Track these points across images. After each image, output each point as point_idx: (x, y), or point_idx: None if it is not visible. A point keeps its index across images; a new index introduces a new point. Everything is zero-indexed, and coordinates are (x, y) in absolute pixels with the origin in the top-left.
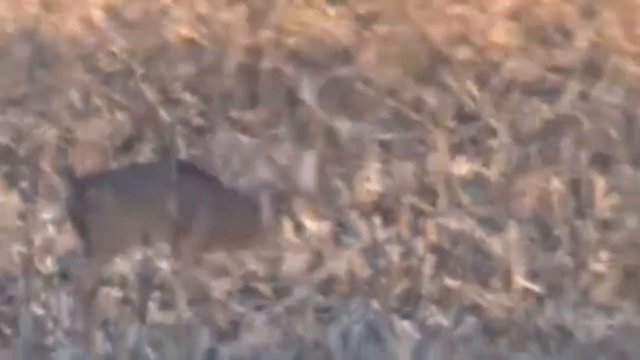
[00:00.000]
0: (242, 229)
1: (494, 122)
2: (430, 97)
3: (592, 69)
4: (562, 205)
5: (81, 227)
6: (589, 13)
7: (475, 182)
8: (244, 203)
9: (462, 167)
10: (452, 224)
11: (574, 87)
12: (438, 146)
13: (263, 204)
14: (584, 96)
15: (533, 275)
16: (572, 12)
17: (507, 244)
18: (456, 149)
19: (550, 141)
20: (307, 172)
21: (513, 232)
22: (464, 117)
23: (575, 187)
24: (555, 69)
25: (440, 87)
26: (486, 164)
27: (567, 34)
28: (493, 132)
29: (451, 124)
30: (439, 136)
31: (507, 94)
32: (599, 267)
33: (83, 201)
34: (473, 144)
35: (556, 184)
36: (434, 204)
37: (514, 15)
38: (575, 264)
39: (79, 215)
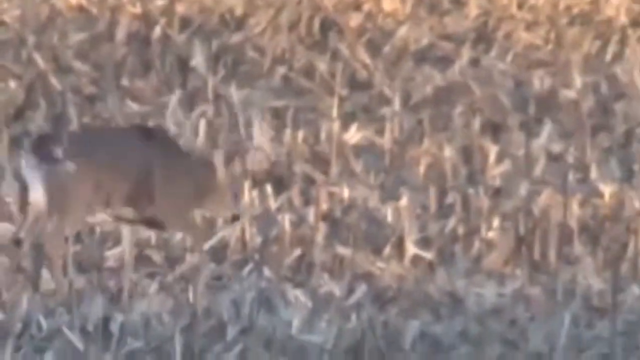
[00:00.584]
0: (198, 190)
1: (387, 90)
2: (322, 65)
3: (483, 37)
4: (454, 173)
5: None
6: None
7: (368, 150)
8: (198, 165)
9: (355, 135)
10: (345, 192)
11: (465, 54)
12: (330, 114)
13: (217, 164)
14: (475, 64)
15: (425, 243)
16: None
17: (399, 212)
18: (348, 117)
19: (442, 109)
20: (261, 131)
21: (405, 200)
22: (356, 85)
23: (467, 154)
24: (446, 37)
25: (332, 55)
26: (379, 132)
27: (458, 2)
28: (386, 100)
29: (343, 91)
30: (331, 104)
31: (399, 61)
32: (491, 235)
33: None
34: (365, 112)
35: (448, 151)
36: (326, 173)
37: None
38: (467, 232)
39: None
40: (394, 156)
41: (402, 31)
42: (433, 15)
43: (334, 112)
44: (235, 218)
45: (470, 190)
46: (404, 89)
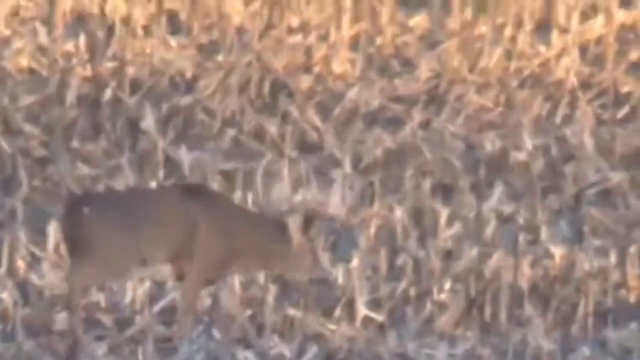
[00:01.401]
0: (267, 250)
1: (337, 152)
2: (272, 127)
3: (434, 99)
4: (405, 235)
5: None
6: (430, 43)
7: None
8: (264, 224)
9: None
10: None
11: (416, 116)
12: (281, 176)
13: (292, 226)
14: (425, 126)
15: (376, 305)
16: (414, 42)
17: (350, 273)
18: (299, 179)
19: (392, 171)
20: (335, 197)
21: (356, 262)
22: (307, 147)
23: (418, 216)
24: (397, 99)
25: (282, 117)
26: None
27: (409, 64)
28: (336, 162)
29: (293, 154)
30: (281, 166)
31: (349, 123)
32: (442, 297)
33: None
34: (316, 174)
35: (399, 213)
36: None
37: (355, 45)
38: (418, 293)
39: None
40: (345, 218)
41: (353, 93)
42: (383, 77)
43: (285, 175)
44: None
45: (421, 252)
46: (354, 151)
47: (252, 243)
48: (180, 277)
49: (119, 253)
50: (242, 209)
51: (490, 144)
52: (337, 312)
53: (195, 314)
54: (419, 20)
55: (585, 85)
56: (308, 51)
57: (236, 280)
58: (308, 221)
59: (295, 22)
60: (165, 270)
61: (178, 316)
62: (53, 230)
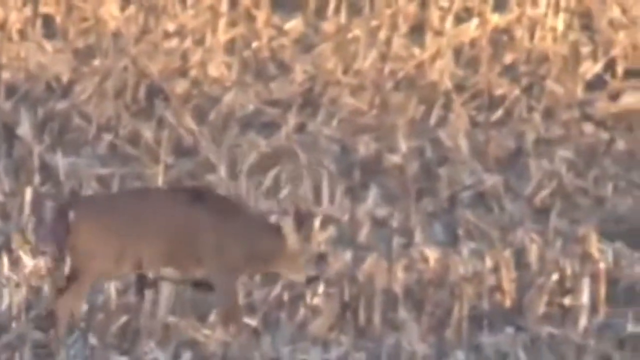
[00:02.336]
0: (267, 252)
1: (213, 157)
2: (148, 132)
3: (309, 102)
4: None
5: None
6: (305, 46)
7: None
8: (262, 226)
9: None
10: None
11: (291, 120)
12: (156, 181)
13: (286, 228)
14: (301, 129)
15: (250, 310)
16: (289, 45)
17: None
18: (174, 184)
19: (268, 175)
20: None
21: None
22: (182, 151)
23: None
24: (272, 103)
25: (157, 122)
26: None
27: (284, 68)
28: (211, 167)
29: (169, 158)
30: (156, 171)
31: (225, 128)
32: (315, 301)
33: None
34: (191, 179)
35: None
36: None
37: (231, 49)
38: (292, 298)
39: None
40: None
41: (228, 97)
42: (259, 81)
43: (160, 179)
44: (312, 279)
45: None
46: (229, 155)
47: (255, 245)
48: (194, 281)
49: (108, 256)
50: (244, 212)
51: (365, 146)
52: (212, 317)
53: (239, 313)
54: (294, 24)
55: (459, 87)
56: (184, 55)
57: (112, 287)
58: (299, 222)
59: (171, 26)
60: (168, 273)
61: (222, 319)
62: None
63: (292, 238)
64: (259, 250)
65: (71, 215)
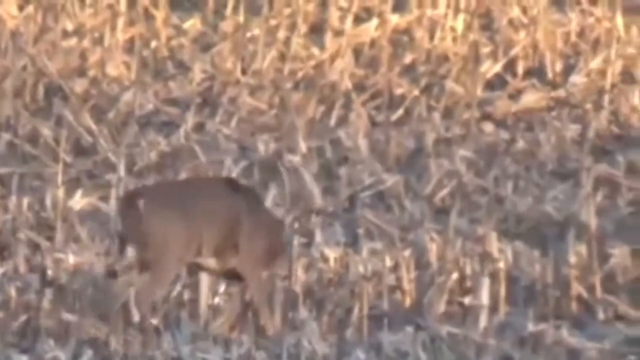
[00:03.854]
0: (278, 249)
1: (112, 156)
2: (47, 131)
3: (208, 102)
4: None
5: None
6: (204, 46)
7: (94, 216)
8: (275, 223)
9: (80, 202)
10: (70, 258)
11: (190, 119)
12: (55, 180)
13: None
14: (200, 128)
15: (151, 309)
16: (188, 44)
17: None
18: (73, 183)
19: (167, 174)
20: None
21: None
22: (81, 150)
23: None
24: (171, 102)
25: (56, 121)
26: (104, 198)
27: (183, 67)
28: (111, 166)
29: (68, 157)
30: (56, 170)
31: (124, 127)
32: (217, 300)
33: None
34: (90, 178)
35: None
36: (51, 239)
37: (130, 48)
38: (193, 298)
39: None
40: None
41: (127, 96)
42: (158, 80)
43: (59, 179)
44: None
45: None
46: (128, 154)
47: (272, 240)
48: (224, 271)
49: (177, 244)
50: (265, 206)
51: (264, 146)
52: (113, 316)
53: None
54: (193, 23)
55: (359, 87)
56: (83, 55)
57: (11, 286)
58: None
59: (69, 26)
60: (210, 263)
61: (262, 310)
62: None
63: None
64: (275, 245)
65: (141, 204)
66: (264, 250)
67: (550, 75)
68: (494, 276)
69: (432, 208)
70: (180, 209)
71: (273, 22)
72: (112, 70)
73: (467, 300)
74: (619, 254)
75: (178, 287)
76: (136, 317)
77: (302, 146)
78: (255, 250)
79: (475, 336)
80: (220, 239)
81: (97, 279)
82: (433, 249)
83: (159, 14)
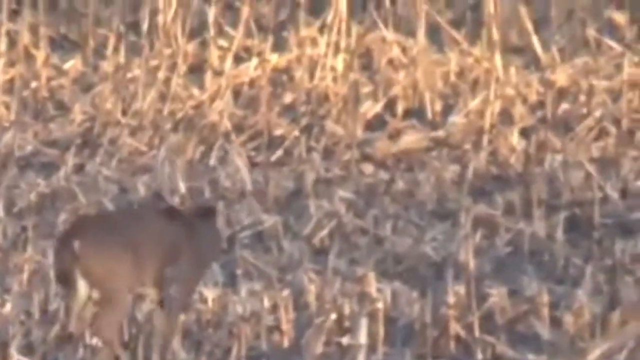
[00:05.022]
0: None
1: None
2: None
3: (88, 143)
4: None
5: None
6: (84, 86)
7: None
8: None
9: None
10: None
11: (70, 160)
12: None
13: None
14: (80, 169)
15: (28, 350)
16: (68, 85)
17: (3, 318)
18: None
19: (46, 216)
20: None
21: (9, 306)
22: None
23: None
24: (51, 143)
25: None
26: None
27: (63, 108)
28: None
29: None
30: None
31: (3, 168)
32: (95, 341)
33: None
34: None
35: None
36: None
37: (10, 89)
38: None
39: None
40: None
41: (7, 137)
42: (38, 121)
43: None
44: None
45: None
46: (7, 195)
47: (205, 268)
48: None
49: (117, 282)
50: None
51: (144, 187)
52: None
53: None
54: (73, 64)
55: (238, 127)
56: None
57: None
58: None
59: None
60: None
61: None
62: None
63: None
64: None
65: (76, 244)
66: (198, 278)
67: (429, 115)
68: (372, 316)
69: (311, 248)
70: (118, 243)
71: (153, 62)
72: None
73: (345, 340)
74: (497, 294)
75: (57, 327)
76: None
77: (182, 186)
78: (192, 278)
79: None
80: (160, 269)
81: None
82: (312, 290)
83: (39, 55)
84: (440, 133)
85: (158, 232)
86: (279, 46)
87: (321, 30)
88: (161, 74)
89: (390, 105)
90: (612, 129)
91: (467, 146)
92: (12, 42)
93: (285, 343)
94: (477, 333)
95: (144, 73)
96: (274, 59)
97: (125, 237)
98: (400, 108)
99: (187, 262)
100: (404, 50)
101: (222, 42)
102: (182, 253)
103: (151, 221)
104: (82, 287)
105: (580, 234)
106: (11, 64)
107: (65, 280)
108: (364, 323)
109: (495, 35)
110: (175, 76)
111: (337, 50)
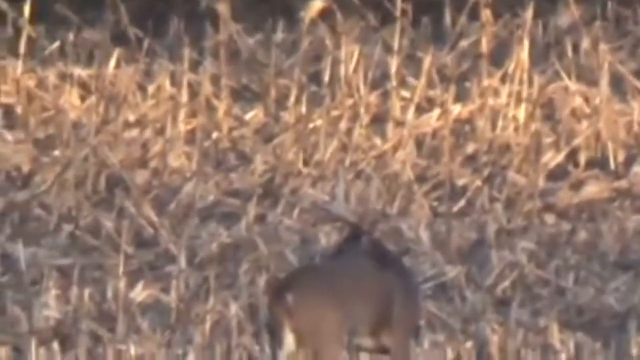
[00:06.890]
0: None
1: (172, 247)
2: (108, 222)
3: (269, 193)
4: (240, 330)
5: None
6: (266, 137)
7: (154, 307)
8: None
9: (141, 293)
10: (132, 349)
11: (251, 210)
12: (116, 272)
13: None
14: (261, 220)
15: None
16: (249, 135)
17: None
18: (135, 275)
19: (227, 266)
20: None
21: (192, 358)
22: (142, 242)
23: (253, 312)
24: (232, 193)
25: (118, 212)
26: (165, 290)
27: (244, 158)
28: (171, 258)
29: (129, 249)
30: (117, 261)
31: (185, 218)
32: None
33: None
34: (151, 270)
35: (234, 309)
36: (112, 330)
37: (191, 139)
38: None
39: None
40: (180, 313)
41: (188, 187)
42: (219, 171)
43: (120, 270)
44: None
45: (257, 347)
46: (189, 246)
47: (419, 313)
48: (379, 349)
49: (329, 332)
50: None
51: (326, 237)
52: None
53: None
54: (255, 114)
55: (421, 178)
56: (144, 145)
57: None
58: None
59: (131, 116)
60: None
61: None
62: None
63: None
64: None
65: (289, 297)
66: (414, 324)
67: (612, 165)
68: None
69: (493, 299)
70: (330, 294)
71: (335, 112)
72: (173, 161)
73: None
74: None
75: None
76: None
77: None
78: (408, 325)
79: None
80: (374, 319)
81: None
82: (494, 341)
83: (221, 105)
84: (623, 183)
85: (369, 282)
86: (461, 96)
87: (503, 80)
88: (343, 124)
89: (572, 155)
90: None
91: None
92: (193, 92)
93: None
94: None
95: (326, 123)
96: (456, 109)
97: (338, 292)
98: (582, 158)
99: (400, 309)
100: (586, 100)
101: (404, 93)
102: (394, 301)
103: (362, 271)
104: (290, 341)
105: None
106: (193, 114)
107: (274, 333)
108: None
109: None
110: (357, 126)
111: (519, 100)
